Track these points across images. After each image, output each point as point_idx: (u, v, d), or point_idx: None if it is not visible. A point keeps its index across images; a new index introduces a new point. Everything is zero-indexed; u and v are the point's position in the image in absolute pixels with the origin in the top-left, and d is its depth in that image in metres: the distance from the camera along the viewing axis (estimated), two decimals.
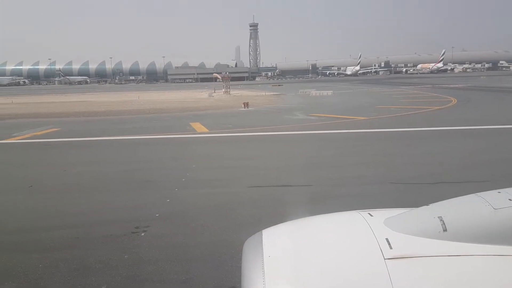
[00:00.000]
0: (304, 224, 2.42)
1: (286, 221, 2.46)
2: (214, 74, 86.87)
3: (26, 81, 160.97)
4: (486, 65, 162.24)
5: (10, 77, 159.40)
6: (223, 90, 56.33)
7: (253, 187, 8.93)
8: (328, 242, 2.07)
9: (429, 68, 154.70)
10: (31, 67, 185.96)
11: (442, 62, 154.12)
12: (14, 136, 18.08)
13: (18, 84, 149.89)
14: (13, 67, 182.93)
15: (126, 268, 5.20)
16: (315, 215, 2.53)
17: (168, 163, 12.00)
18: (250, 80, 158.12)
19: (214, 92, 58.51)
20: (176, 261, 5.37)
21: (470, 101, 30.79)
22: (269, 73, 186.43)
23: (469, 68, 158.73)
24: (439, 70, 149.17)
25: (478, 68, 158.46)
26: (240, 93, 55.39)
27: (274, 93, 54.71)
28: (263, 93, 52.86)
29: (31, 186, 9.52)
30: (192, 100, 44.81)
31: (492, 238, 1.79)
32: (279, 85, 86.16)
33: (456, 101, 30.36)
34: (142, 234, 6.29)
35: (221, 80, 67.32)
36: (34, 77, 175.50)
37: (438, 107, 26.19)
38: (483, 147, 13.25)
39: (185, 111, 30.25)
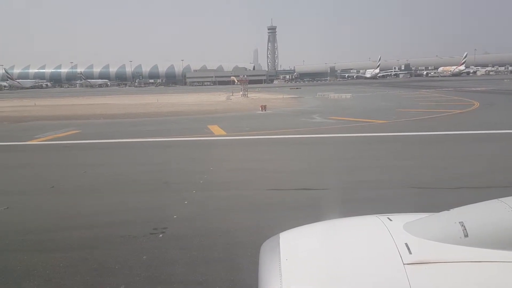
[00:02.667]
0: (322, 228, 2.40)
1: (303, 224, 2.45)
2: (232, 77, 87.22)
3: (49, 84, 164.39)
4: (510, 68, 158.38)
5: (33, 80, 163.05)
6: (240, 93, 56.51)
7: (271, 190, 8.91)
8: (346, 246, 2.06)
9: (450, 71, 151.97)
10: (54, 70, 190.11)
11: (464, 65, 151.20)
12: (37, 138, 18.49)
13: (40, 86, 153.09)
14: (36, 70, 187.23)
15: (145, 269, 5.25)
16: (332, 219, 2.51)
17: (186, 165, 12.08)
18: (268, 83, 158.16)
19: (232, 95, 58.77)
20: (193, 263, 5.40)
21: (493, 105, 30.13)
22: (287, 76, 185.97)
23: (492, 71, 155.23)
24: (461, 73, 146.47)
25: (502, 71, 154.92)
26: (258, 96, 55.50)
27: (292, 96, 54.59)
28: (281, 96, 52.83)
29: (53, 187, 9.70)
30: (210, 103, 45.09)
31: None
32: (297, 88, 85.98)
33: (478, 104, 29.75)
34: (160, 235, 6.35)
35: (239, 83, 67.57)
36: (56, 80, 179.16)
37: (460, 111, 25.71)
38: (507, 151, 12.94)
39: (203, 113, 30.43)
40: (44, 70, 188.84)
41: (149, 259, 5.51)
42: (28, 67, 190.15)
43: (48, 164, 13.26)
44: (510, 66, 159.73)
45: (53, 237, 6.57)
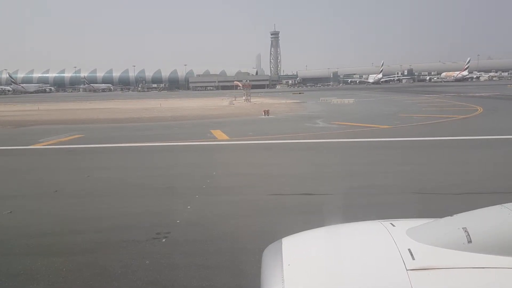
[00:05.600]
0: (324, 233, 2.40)
1: (305, 230, 2.45)
2: (235, 82, 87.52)
3: (52, 88, 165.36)
4: None
5: (37, 84, 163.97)
6: (243, 97, 56.60)
7: (273, 195, 8.91)
8: (349, 251, 2.05)
9: (453, 76, 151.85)
10: (57, 74, 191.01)
11: (467, 70, 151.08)
12: (40, 142, 18.55)
13: (44, 91, 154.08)
14: (40, 75, 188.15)
15: (147, 274, 5.25)
16: (334, 224, 2.51)
17: (189, 170, 12.09)
18: (270, 88, 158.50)
19: (235, 99, 58.89)
20: (196, 268, 5.39)
21: (497, 110, 30.06)
22: (290, 81, 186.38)
23: (495, 76, 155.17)
24: (464, 79, 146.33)
25: (505, 77, 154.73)
26: (261, 100, 55.54)
27: (295, 101, 54.64)
28: (284, 101, 52.86)
29: (56, 191, 9.72)
30: (213, 107, 45.18)
31: None
32: (300, 93, 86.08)
33: (482, 110, 29.70)
34: (163, 240, 6.35)
35: (241, 88, 67.69)
36: (60, 85, 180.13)
37: (463, 116, 25.66)
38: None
39: (206, 118, 30.49)
40: (47, 75, 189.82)
41: (152, 264, 5.51)
42: (32, 71, 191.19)
43: (51, 168, 13.30)
44: None
45: (56, 241, 6.58)
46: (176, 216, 7.50)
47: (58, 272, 5.37)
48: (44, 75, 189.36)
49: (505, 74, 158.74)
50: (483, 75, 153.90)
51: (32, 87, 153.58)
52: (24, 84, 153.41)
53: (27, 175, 12.19)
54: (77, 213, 8.03)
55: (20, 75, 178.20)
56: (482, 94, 53.39)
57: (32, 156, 16.21)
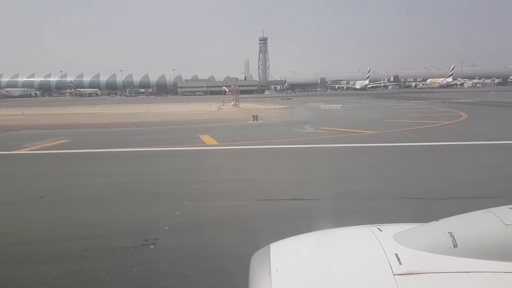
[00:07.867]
0: (312, 238, 2.41)
1: (295, 235, 2.46)
2: (223, 87, 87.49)
3: (38, 92, 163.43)
4: (496, 80, 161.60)
5: (22, 88, 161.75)
6: (232, 103, 56.69)
7: (263, 200, 8.90)
8: (337, 256, 2.07)
9: (438, 83, 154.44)
10: (43, 79, 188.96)
11: (451, 77, 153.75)
12: (25, 147, 18.28)
13: (29, 95, 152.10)
14: (25, 79, 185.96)
15: (136, 281, 5.20)
16: (324, 229, 2.53)
17: (178, 175, 12.03)
18: (259, 93, 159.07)
19: (223, 105, 58.92)
20: (185, 275, 5.36)
21: (481, 116, 30.57)
22: (278, 87, 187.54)
23: (479, 83, 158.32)
24: (448, 85, 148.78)
25: (488, 83, 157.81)
26: (249, 106, 55.65)
27: (283, 106, 54.83)
28: (272, 106, 53.02)
29: (41, 197, 9.58)
30: (202, 112, 45.09)
31: (503, 254, 1.78)
32: (288, 99, 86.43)
33: (466, 115, 30.16)
34: (152, 246, 6.30)
35: (230, 93, 67.72)
36: (46, 89, 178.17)
37: (448, 122, 26.03)
38: (499, 162, 13.08)
39: (194, 123, 30.41)
40: (33, 79, 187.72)
41: (140, 271, 5.46)
42: (16, 75, 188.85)
43: (36, 173, 13.10)
44: (497, 78, 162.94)
45: (42, 249, 6.47)
46: (164, 222, 7.45)
47: (44, 280, 5.29)
48: (30, 79, 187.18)
49: (488, 80, 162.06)
50: (467, 81, 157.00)
51: (16, 91, 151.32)
52: (8, 88, 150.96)
53: (11, 180, 11.99)
54: (63, 219, 7.93)
55: (5, 79, 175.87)
56: (466, 100, 54.28)
57: (17, 161, 15.96)
